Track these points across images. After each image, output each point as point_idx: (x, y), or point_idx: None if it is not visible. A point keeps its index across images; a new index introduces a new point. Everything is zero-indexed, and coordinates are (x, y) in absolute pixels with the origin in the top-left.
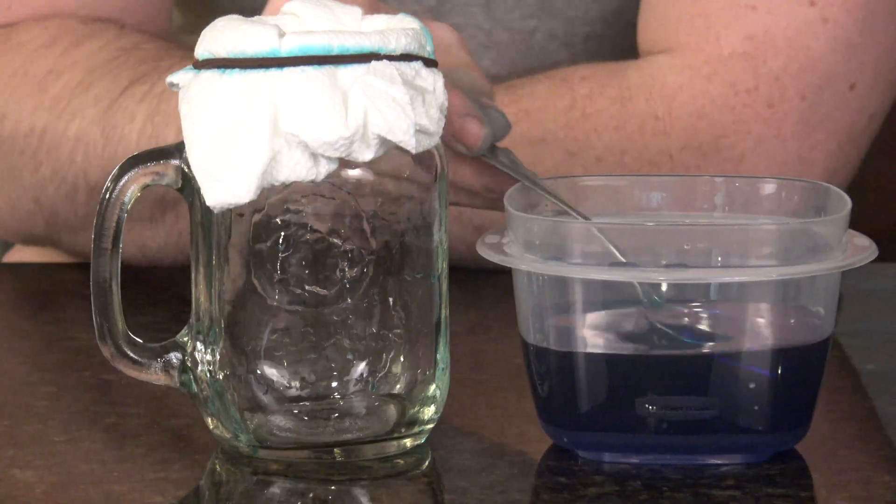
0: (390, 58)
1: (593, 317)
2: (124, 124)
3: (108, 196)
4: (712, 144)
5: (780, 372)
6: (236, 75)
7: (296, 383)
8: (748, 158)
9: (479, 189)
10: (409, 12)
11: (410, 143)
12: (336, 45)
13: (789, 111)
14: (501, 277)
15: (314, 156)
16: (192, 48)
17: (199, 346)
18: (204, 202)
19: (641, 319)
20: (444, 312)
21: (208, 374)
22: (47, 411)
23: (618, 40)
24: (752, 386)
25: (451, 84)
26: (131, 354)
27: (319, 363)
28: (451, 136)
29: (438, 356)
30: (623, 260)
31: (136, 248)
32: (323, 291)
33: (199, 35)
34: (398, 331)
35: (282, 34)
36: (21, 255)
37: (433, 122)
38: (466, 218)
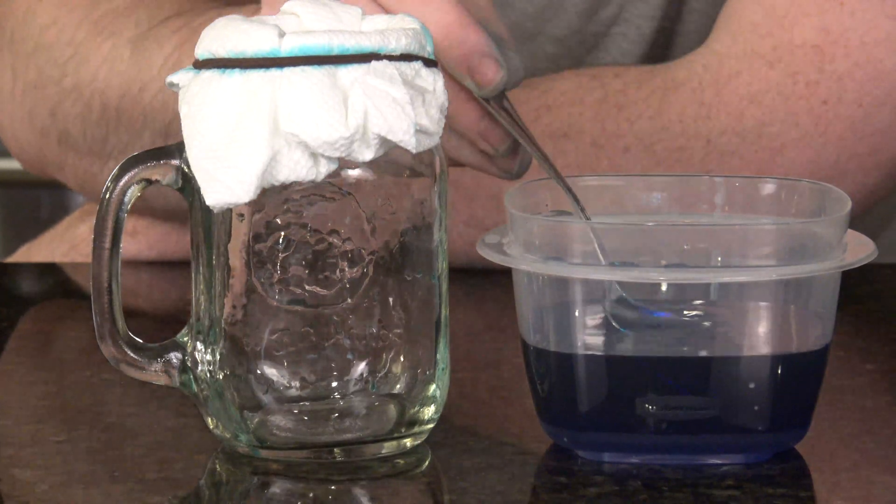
0: (390, 58)
1: (593, 317)
2: (154, 49)
3: (107, 196)
4: (755, 131)
5: (780, 372)
6: (236, 75)
7: (296, 383)
8: (787, 151)
9: (475, 134)
10: None
11: (410, 143)
12: (336, 45)
13: (842, 114)
14: (502, 277)
15: (314, 156)
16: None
17: (199, 346)
18: (204, 202)
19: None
20: (444, 312)
21: (208, 374)
22: (47, 411)
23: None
24: (752, 386)
25: (474, 22)
26: (131, 354)
27: (319, 363)
28: (466, 71)
29: (438, 356)
30: (603, 262)
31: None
32: (323, 291)
33: None
34: (398, 331)
35: (282, 34)
36: (27, 255)
37: (433, 122)
38: (478, 220)
